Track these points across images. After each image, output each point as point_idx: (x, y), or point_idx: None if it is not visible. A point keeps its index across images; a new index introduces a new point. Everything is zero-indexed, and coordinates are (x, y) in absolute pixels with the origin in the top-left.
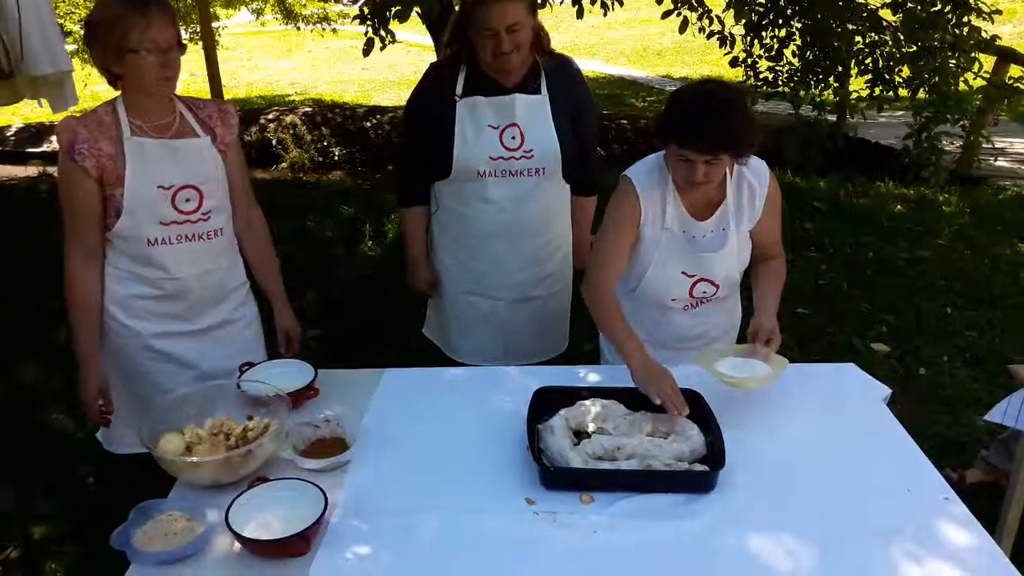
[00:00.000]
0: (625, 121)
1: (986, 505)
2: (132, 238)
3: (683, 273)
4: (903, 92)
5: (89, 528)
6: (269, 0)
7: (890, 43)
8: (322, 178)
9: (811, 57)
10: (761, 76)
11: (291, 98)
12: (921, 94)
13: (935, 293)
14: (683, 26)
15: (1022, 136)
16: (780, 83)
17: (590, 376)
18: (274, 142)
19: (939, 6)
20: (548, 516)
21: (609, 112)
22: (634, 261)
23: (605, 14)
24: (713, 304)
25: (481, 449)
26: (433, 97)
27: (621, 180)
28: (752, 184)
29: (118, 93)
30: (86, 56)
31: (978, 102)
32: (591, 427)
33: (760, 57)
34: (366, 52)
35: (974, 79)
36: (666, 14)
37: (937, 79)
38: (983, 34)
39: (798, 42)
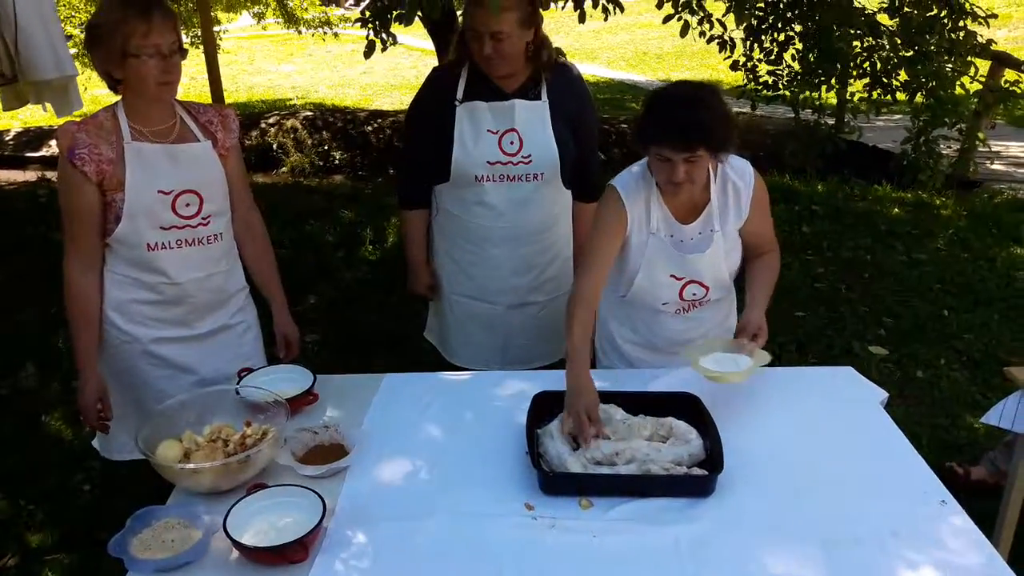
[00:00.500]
0: (625, 125)
1: (983, 508)
2: (132, 243)
3: (672, 276)
4: (900, 96)
5: (86, 536)
6: (270, 4)
7: (887, 47)
8: (323, 182)
9: (812, 59)
10: (761, 80)
11: (292, 102)
12: (918, 98)
13: (932, 296)
14: (684, 30)
15: (1018, 140)
16: (780, 87)
17: None
18: (275, 146)
19: (935, 11)
20: (547, 521)
21: (609, 116)
22: (623, 266)
23: (606, 19)
24: (706, 308)
25: (480, 454)
26: (434, 101)
27: (606, 189)
28: (736, 184)
29: (118, 97)
30: (86, 60)
31: (974, 106)
32: None
33: (760, 61)
34: (367, 55)
35: (970, 83)
36: (667, 19)
37: (934, 83)
38: (979, 39)
39: (798, 46)
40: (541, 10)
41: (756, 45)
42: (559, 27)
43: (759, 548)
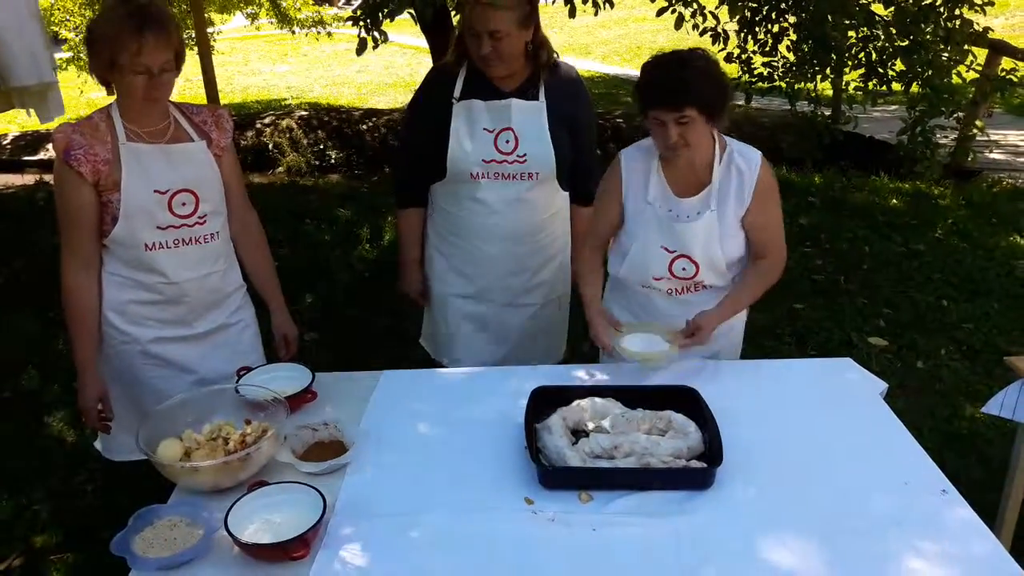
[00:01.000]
0: (620, 120)
1: (985, 498)
2: (129, 243)
3: (663, 248)
4: (896, 86)
5: (90, 535)
6: (264, 4)
7: (882, 37)
8: (319, 181)
9: (806, 50)
10: (756, 72)
11: (287, 102)
12: (914, 88)
13: (931, 286)
14: (678, 22)
15: (1016, 128)
16: (775, 78)
17: (588, 375)
18: (270, 146)
19: None
20: (547, 515)
21: (604, 111)
22: (621, 237)
23: (596, 13)
24: (700, 294)
25: (479, 449)
26: (432, 99)
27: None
28: (741, 168)
29: (113, 98)
30: (82, 63)
31: (971, 95)
32: (589, 426)
33: (755, 53)
34: (359, 52)
35: (967, 72)
36: (660, 11)
37: (930, 72)
38: (975, 27)
39: (792, 37)
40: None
41: (750, 37)
42: (552, 22)
43: (759, 540)
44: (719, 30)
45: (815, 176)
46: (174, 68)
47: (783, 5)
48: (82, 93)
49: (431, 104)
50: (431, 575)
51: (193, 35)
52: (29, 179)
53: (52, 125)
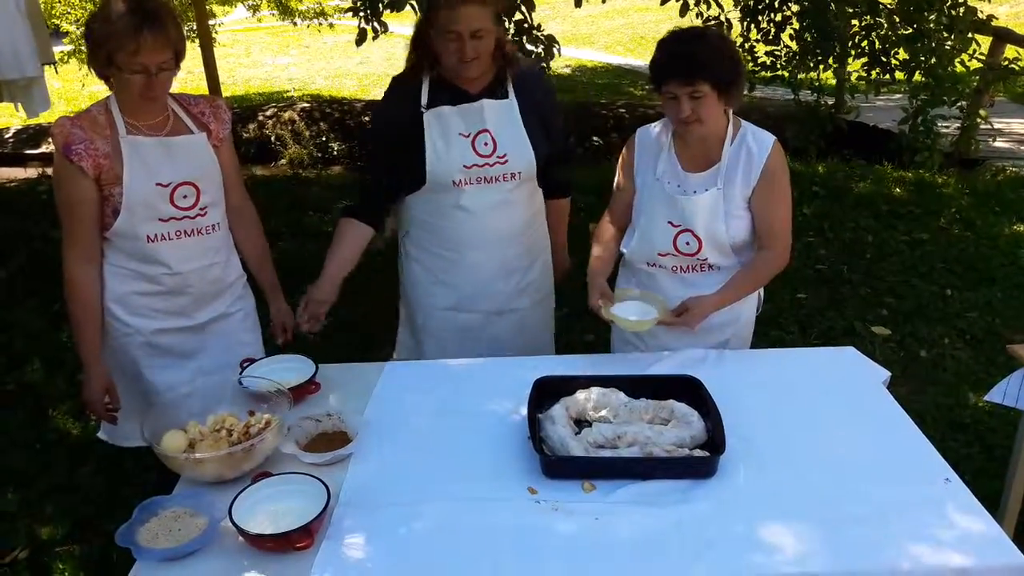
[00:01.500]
0: (623, 109)
1: (988, 486)
2: (131, 236)
3: (669, 223)
4: (900, 75)
5: (94, 527)
6: None
7: (885, 26)
8: (321, 173)
9: (808, 39)
10: (759, 61)
11: (289, 94)
12: (917, 77)
13: (935, 275)
14: (683, 9)
15: (1020, 117)
16: (778, 67)
17: (590, 365)
18: (272, 139)
19: None
20: (550, 505)
21: (607, 101)
22: (633, 212)
23: (604, 1)
24: (705, 275)
25: (482, 439)
26: (398, 110)
27: None
28: (751, 149)
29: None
30: (83, 57)
31: (975, 83)
32: (592, 416)
33: (758, 42)
34: (359, 42)
35: (970, 60)
36: (664, 0)
37: (933, 61)
38: (979, 15)
39: (795, 26)
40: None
41: (753, 26)
42: (555, 13)
43: (762, 528)
44: (723, 19)
45: (818, 165)
46: (173, 67)
47: None
48: (83, 87)
49: (397, 117)
50: (434, 565)
51: (194, 27)
52: (32, 173)
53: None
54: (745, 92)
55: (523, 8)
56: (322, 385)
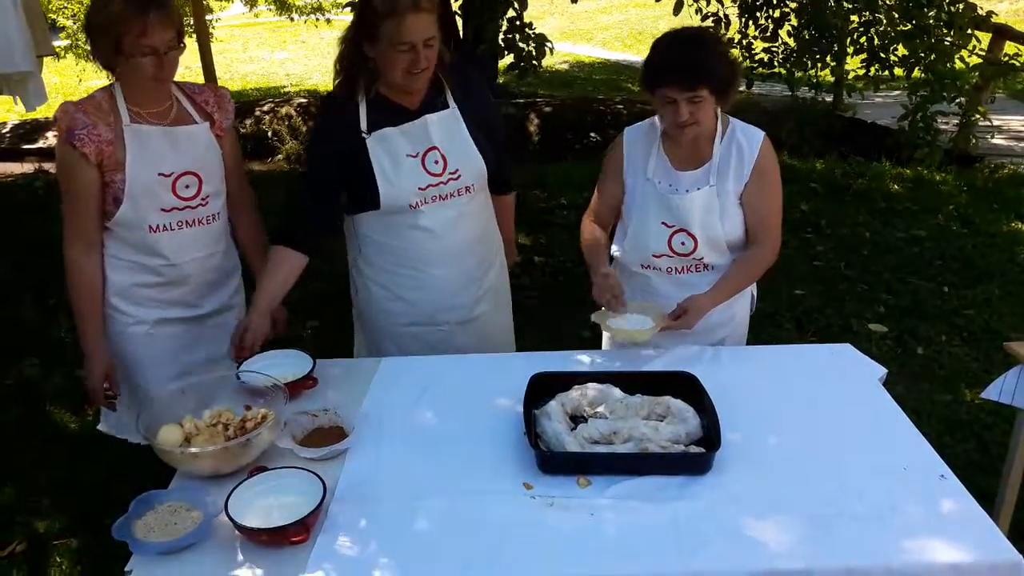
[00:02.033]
0: (621, 105)
1: (983, 483)
2: (134, 225)
3: (663, 224)
4: (899, 72)
5: (91, 520)
6: None
7: (884, 22)
8: None
9: (807, 36)
10: (757, 57)
11: (286, 89)
12: (916, 73)
13: (932, 272)
14: (678, 7)
15: (1019, 114)
16: (776, 64)
17: (586, 361)
18: (269, 134)
19: None
20: (546, 500)
21: (604, 97)
22: (623, 215)
23: None
24: (700, 275)
25: (478, 435)
26: (339, 135)
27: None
28: (742, 145)
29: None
30: (79, 51)
31: (974, 80)
32: (587, 411)
33: (755, 38)
34: None
35: (970, 56)
36: None
37: (932, 57)
38: (979, 11)
39: (793, 22)
40: None
41: (751, 22)
42: (553, 8)
43: (757, 525)
44: (720, 15)
45: (816, 162)
46: (177, 45)
47: None
48: (80, 81)
49: (336, 145)
50: (430, 559)
51: (191, 22)
52: (29, 167)
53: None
54: (742, 89)
55: (515, 5)
56: (319, 380)
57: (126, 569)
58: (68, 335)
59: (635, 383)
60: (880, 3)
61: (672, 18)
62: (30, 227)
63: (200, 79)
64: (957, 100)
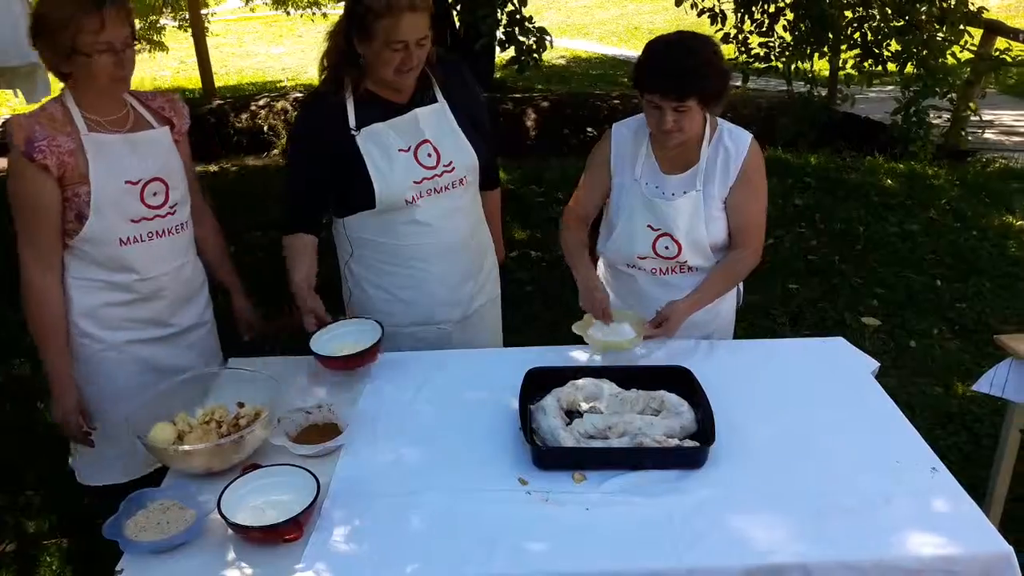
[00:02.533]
0: (617, 101)
1: (974, 476)
2: (102, 240)
3: (648, 226)
4: (892, 67)
5: (82, 520)
6: None
7: (878, 17)
8: None
9: (803, 28)
10: (752, 52)
11: (282, 84)
12: (909, 68)
13: (925, 266)
14: (678, 1)
15: (1010, 108)
16: (772, 58)
17: (581, 356)
18: (265, 128)
19: None
20: (541, 495)
21: (601, 92)
22: (608, 213)
23: None
24: (684, 276)
25: (473, 430)
26: (326, 133)
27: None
28: (729, 148)
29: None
30: None
31: (966, 75)
32: (583, 406)
33: (751, 33)
34: None
35: (962, 52)
36: None
37: (925, 52)
38: (970, 6)
39: (789, 16)
40: None
41: (747, 16)
42: (551, 3)
43: (752, 518)
44: (717, 10)
45: (810, 156)
46: (132, 43)
47: None
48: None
49: (324, 143)
50: (425, 556)
51: (187, 16)
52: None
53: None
54: (739, 84)
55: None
56: (316, 375)
57: (117, 568)
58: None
59: (630, 378)
60: None
61: (668, 14)
62: (9, 228)
63: (196, 73)
64: (949, 96)
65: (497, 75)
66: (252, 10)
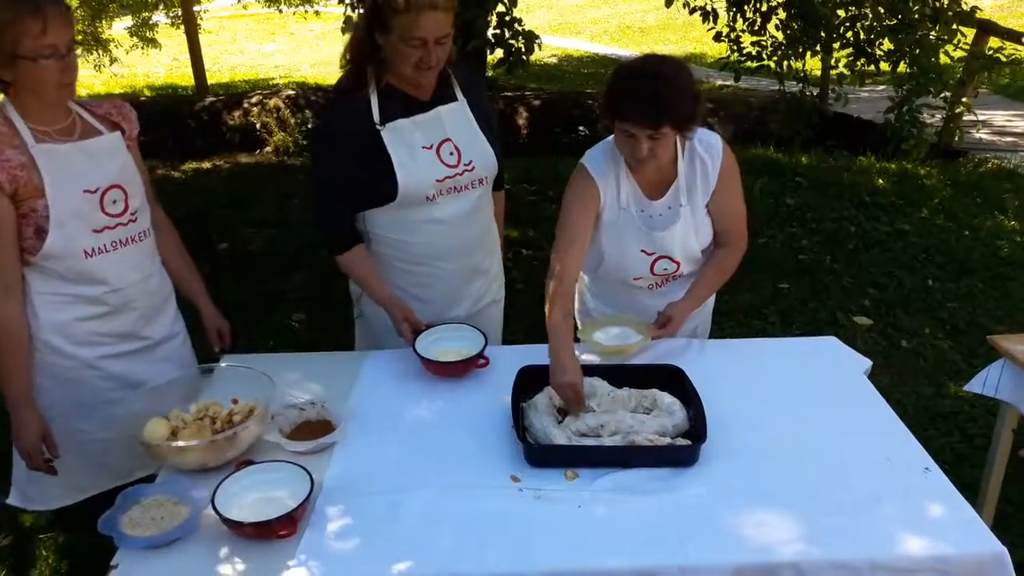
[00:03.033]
0: None
1: (967, 475)
2: (67, 253)
3: (642, 251)
4: (884, 66)
5: (77, 515)
6: None
7: (870, 16)
8: (306, 161)
9: (795, 27)
10: (744, 51)
11: (274, 81)
12: (902, 67)
13: (917, 266)
14: (669, 1)
15: (1002, 108)
16: (764, 57)
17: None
18: (258, 126)
19: None
20: (533, 493)
21: (593, 91)
22: (595, 243)
23: None
24: (679, 283)
25: (466, 428)
26: (351, 128)
27: (577, 167)
28: (704, 159)
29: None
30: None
31: (959, 74)
32: None
33: (743, 32)
34: (344, 30)
35: (954, 51)
36: None
37: (918, 52)
38: (963, 6)
39: (781, 15)
40: None
41: (739, 15)
42: (543, 1)
43: (743, 517)
44: (708, 8)
45: (802, 156)
46: (74, 46)
47: None
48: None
49: (350, 136)
50: (417, 553)
51: (179, 13)
52: None
53: None
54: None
55: (505, 0)
56: (308, 373)
57: (112, 563)
58: None
59: (622, 376)
60: None
61: (660, 12)
62: None
63: (188, 70)
64: (942, 95)
65: (489, 74)
66: (245, 7)
